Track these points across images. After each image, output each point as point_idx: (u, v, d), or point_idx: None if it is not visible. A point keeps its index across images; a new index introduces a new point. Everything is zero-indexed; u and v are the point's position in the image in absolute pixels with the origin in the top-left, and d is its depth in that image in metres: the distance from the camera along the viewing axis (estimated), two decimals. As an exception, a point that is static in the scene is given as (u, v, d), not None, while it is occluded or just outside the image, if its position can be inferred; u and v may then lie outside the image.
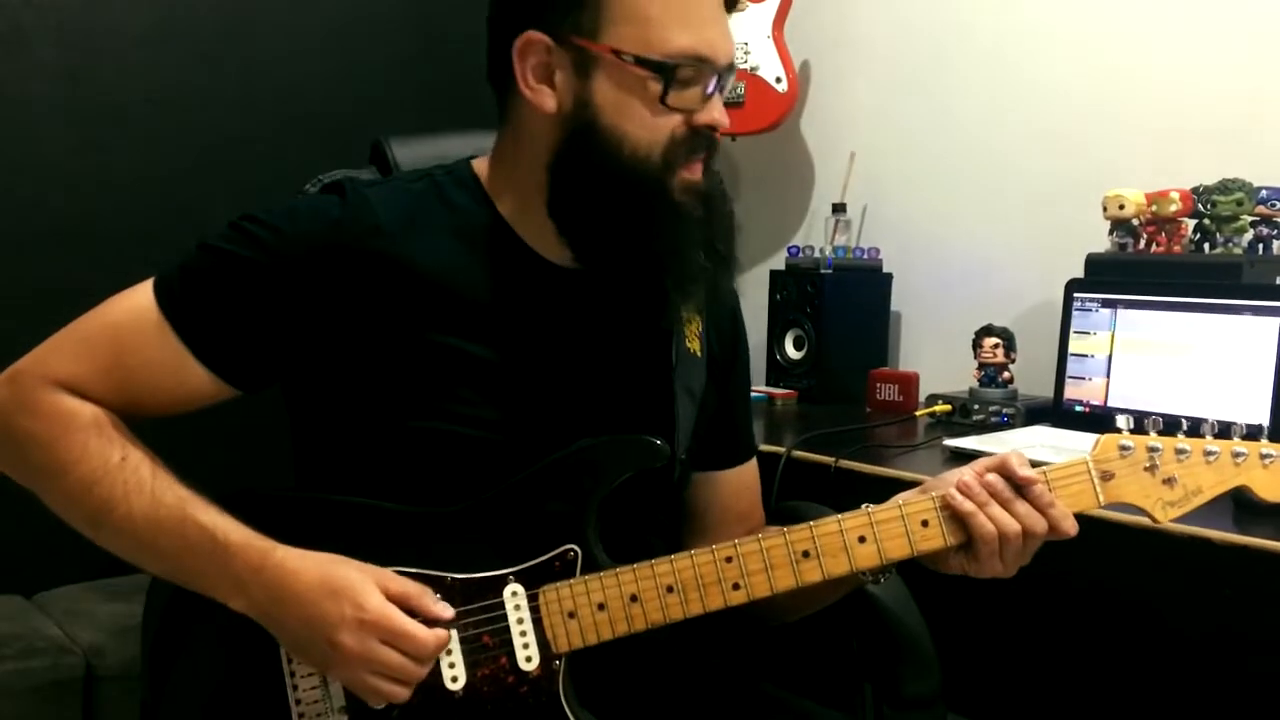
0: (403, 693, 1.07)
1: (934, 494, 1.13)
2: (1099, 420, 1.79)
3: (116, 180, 2.44)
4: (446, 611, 1.09)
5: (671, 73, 1.11)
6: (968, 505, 1.11)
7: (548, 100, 1.14)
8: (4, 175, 2.34)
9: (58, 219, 2.39)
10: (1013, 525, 1.10)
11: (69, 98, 2.40)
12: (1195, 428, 1.14)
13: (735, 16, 2.40)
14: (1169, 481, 1.13)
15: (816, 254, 2.37)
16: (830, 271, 2.32)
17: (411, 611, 1.07)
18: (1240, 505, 1.44)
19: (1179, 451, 1.13)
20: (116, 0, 2.43)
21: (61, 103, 2.39)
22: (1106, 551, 1.37)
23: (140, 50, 2.46)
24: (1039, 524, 1.11)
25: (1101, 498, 1.13)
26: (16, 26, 2.34)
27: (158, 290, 1.14)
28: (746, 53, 2.45)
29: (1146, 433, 1.14)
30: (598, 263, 1.17)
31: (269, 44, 2.59)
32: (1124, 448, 1.14)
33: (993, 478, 1.12)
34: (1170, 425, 1.15)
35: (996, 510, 1.11)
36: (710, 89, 1.14)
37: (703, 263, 1.16)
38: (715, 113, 1.15)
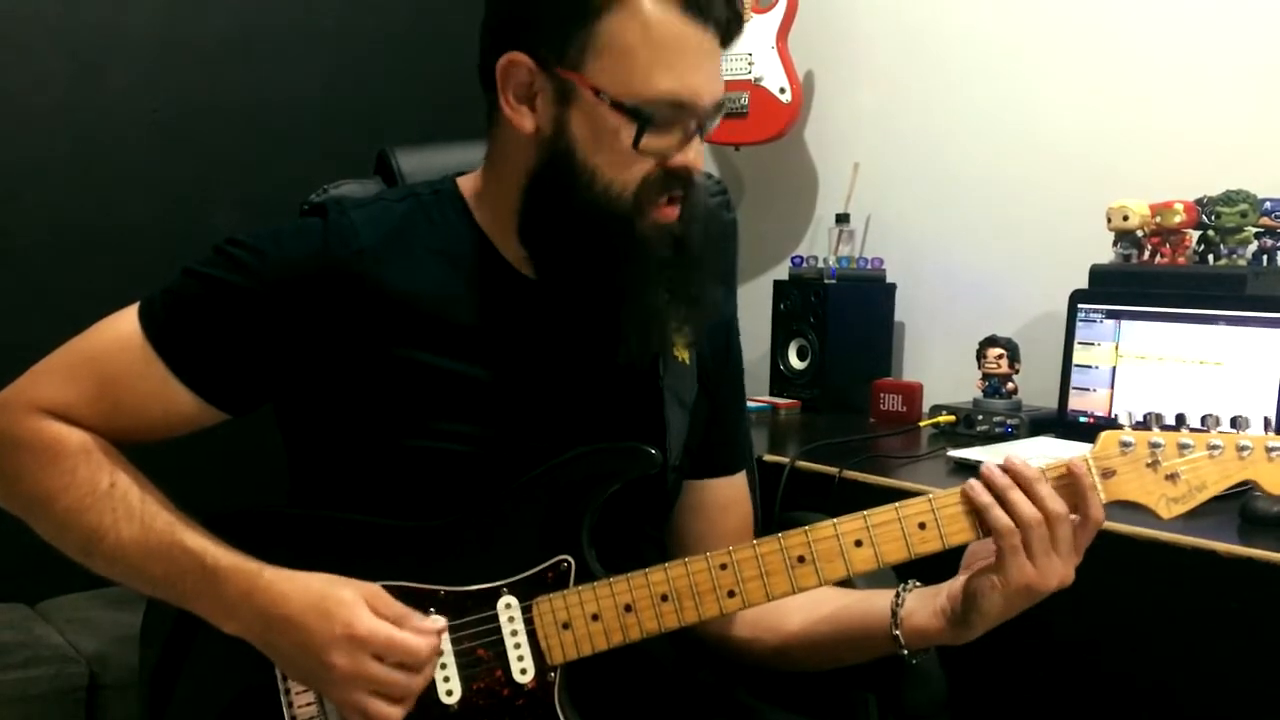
0: (398, 712, 1.06)
1: (932, 496, 1.11)
2: (1103, 431, 1.78)
3: (122, 191, 2.45)
4: (437, 623, 1.09)
5: (647, 119, 1.09)
6: (985, 497, 1.08)
7: (526, 122, 1.13)
8: (8, 185, 2.36)
9: (61, 229, 2.40)
10: (1032, 512, 1.07)
11: (73, 108, 2.41)
12: (1201, 422, 1.11)
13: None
14: (1172, 478, 1.10)
15: (820, 264, 2.37)
16: (834, 281, 2.31)
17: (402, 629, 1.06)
18: (1246, 517, 1.43)
19: (1182, 446, 1.10)
20: (121, 10, 2.44)
21: (66, 113, 2.41)
22: (1111, 564, 1.35)
23: (145, 61, 2.47)
24: (1058, 506, 1.07)
25: (1102, 495, 1.10)
26: (21, 36, 2.35)
27: (142, 316, 1.14)
28: (750, 63, 2.45)
29: (1149, 428, 1.11)
30: (559, 289, 1.16)
31: (274, 52, 2.60)
32: (1125, 444, 1.11)
33: (1017, 462, 1.09)
34: (1174, 421, 1.11)
35: (1016, 495, 1.07)
36: (690, 132, 1.12)
37: (662, 304, 1.14)
38: (691, 154, 1.12)
